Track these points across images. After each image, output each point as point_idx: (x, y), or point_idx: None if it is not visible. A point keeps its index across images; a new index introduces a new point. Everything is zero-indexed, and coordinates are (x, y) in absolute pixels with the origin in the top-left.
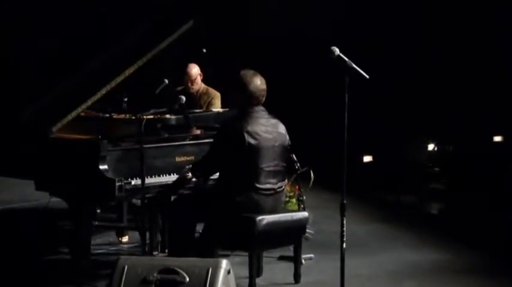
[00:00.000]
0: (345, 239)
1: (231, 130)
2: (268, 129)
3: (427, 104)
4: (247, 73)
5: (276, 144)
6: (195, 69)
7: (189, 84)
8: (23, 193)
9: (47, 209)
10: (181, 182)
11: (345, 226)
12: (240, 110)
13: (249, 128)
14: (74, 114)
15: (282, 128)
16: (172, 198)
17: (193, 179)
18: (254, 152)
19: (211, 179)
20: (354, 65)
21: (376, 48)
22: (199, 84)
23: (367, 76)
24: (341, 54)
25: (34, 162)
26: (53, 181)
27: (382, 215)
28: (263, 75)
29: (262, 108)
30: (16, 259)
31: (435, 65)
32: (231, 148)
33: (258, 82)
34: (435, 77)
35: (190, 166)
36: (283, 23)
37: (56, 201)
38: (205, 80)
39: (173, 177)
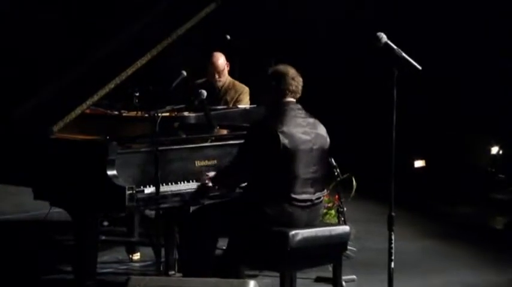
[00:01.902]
0: (393, 257)
1: (263, 131)
2: (306, 129)
3: (490, 100)
4: (280, 65)
5: (315, 147)
6: (221, 59)
7: (216, 77)
8: (19, 203)
9: (47, 221)
10: (201, 191)
11: (393, 242)
12: (272, 107)
13: (285, 128)
14: (78, 111)
15: (321, 129)
16: (192, 209)
17: (216, 188)
18: (290, 156)
19: (238, 188)
20: (404, 54)
21: (428, 38)
22: (225, 77)
23: (419, 67)
24: (389, 42)
25: (32, 167)
26: (53, 188)
27: (437, 230)
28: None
29: (298, 105)
30: (11, 278)
31: (503, 55)
32: (263, 151)
33: (294, 74)
34: (500, 69)
35: (212, 173)
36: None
37: (56, 212)
38: (231, 73)
39: (192, 185)
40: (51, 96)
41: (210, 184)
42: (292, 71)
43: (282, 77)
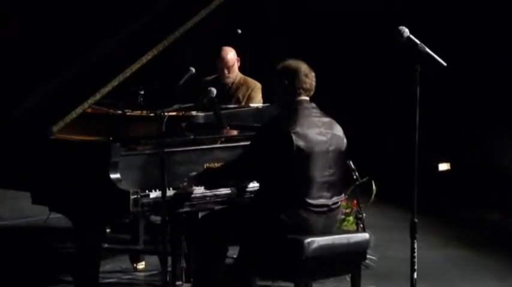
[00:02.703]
0: (416, 267)
1: (274, 131)
2: (321, 130)
3: None
4: (290, 60)
5: (331, 148)
6: (231, 54)
7: (225, 73)
8: (17, 208)
9: (46, 227)
10: (182, 195)
11: (415, 250)
12: (285, 105)
13: (298, 129)
14: (79, 110)
15: (338, 129)
16: (200, 215)
17: (226, 191)
18: (304, 158)
19: (249, 192)
20: (428, 50)
21: (453, 31)
22: (236, 73)
23: (444, 63)
24: (411, 36)
25: (30, 169)
26: (52, 192)
27: (463, 238)
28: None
29: (312, 104)
30: None
31: None
32: (275, 153)
33: (307, 70)
34: None
35: (194, 173)
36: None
37: (56, 217)
38: (242, 69)
39: (201, 189)
40: (51, 95)
41: (193, 189)
42: (304, 67)
43: (294, 74)
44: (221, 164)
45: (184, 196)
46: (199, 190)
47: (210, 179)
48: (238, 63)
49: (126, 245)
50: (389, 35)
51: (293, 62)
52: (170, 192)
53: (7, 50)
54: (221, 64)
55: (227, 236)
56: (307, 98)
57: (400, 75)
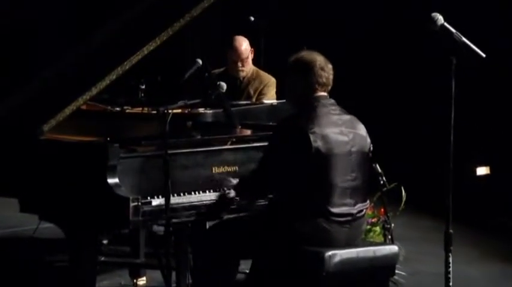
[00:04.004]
0: (450, 284)
1: (290, 131)
2: (342, 129)
3: None
4: (304, 52)
5: (354, 149)
6: (245, 44)
7: (239, 66)
8: (2, 217)
9: (35, 239)
10: (222, 203)
11: (450, 265)
12: (300, 102)
13: (316, 128)
14: (72, 107)
15: (360, 128)
16: (208, 225)
17: (237, 199)
18: (324, 161)
19: (263, 199)
20: (465, 39)
21: (494, 19)
22: (250, 66)
23: (483, 55)
24: (446, 24)
25: (17, 174)
26: (43, 199)
27: (503, 251)
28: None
29: (331, 100)
30: None
31: None
32: (291, 156)
33: (323, 62)
34: None
35: (236, 180)
36: None
37: (46, 227)
38: (256, 60)
39: (209, 195)
40: (41, 90)
41: (233, 194)
42: (320, 59)
43: (309, 67)
44: (248, 174)
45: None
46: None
47: (241, 193)
48: (252, 55)
49: (125, 258)
50: (422, 23)
51: (307, 54)
52: (175, 199)
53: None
54: (234, 56)
55: (238, 249)
56: (325, 94)
57: (433, 69)
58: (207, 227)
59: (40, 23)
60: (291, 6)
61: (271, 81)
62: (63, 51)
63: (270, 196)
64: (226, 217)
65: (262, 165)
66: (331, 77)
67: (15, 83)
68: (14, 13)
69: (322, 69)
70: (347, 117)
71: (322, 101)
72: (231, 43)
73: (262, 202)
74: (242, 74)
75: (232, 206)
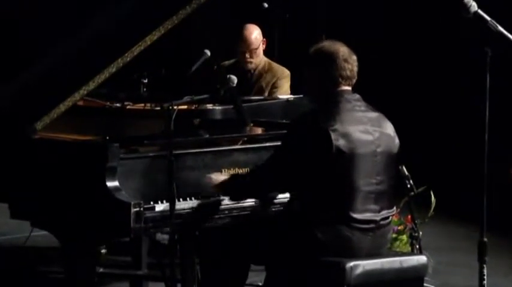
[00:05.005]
0: None
1: (309, 129)
2: (367, 127)
3: None
4: (326, 42)
5: (379, 150)
6: (256, 33)
7: (248, 57)
8: None
9: (27, 247)
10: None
11: (485, 277)
12: (321, 97)
13: (338, 126)
14: (68, 103)
15: (388, 127)
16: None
17: (249, 203)
18: (346, 162)
19: (277, 204)
20: (501, 28)
21: None
22: (260, 58)
23: None
24: (480, 11)
25: (7, 176)
26: (35, 204)
27: None
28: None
29: (356, 95)
30: None
31: None
32: (310, 156)
33: (346, 53)
34: None
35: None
36: None
37: (40, 235)
38: (268, 52)
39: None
40: (33, 84)
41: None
42: (343, 50)
43: (331, 59)
44: (248, 171)
45: (211, 208)
46: (228, 201)
47: (235, 189)
48: (264, 46)
49: (126, 269)
50: (453, 10)
51: (329, 45)
52: (181, 204)
53: None
54: (244, 46)
55: (251, 259)
56: (349, 88)
57: (467, 61)
58: (215, 235)
59: (31, 8)
60: None
61: (284, 74)
62: (57, 41)
63: (285, 199)
64: (236, 223)
65: (270, 166)
66: (355, 69)
67: (3, 75)
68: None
69: (346, 61)
70: (374, 114)
71: (345, 96)
72: (240, 32)
73: (277, 207)
74: (250, 66)
75: (243, 212)
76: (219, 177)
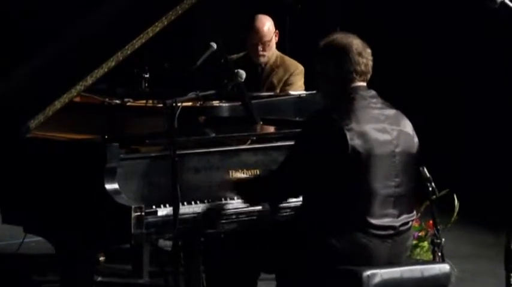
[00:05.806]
0: None
1: (323, 128)
2: (384, 126)
3: None
4: (338, 35)
5: (398, 150)
6: (268, 24)
7: (259, 50)
8: None
9: (20, 255)
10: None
11: None
12: (334, 94)
13: (354, 125)
14: (64, 99)
15: (406, 125)
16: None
17: (258, 208)
18: (362, 163)
19: (288, 208)
20: None
21: None
22: (272, 51)
23: None
24: (507, 0)
25: None
26: (29, 208)
27: None
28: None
29: (371, 91)
30: None
31: None
32: (324, 157)
33: (360, 46)
34: None
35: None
36: None
37: (33, 241)
38: (280, 45)
39: (227, 203)
40: (27, 80)
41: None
42: (356, 43)
43: (344, 53)
44: (264, 175)
45: (217, 212)
46: (236, 204)
47: (255, 195)
48: (276, 38)
49: (126, 278)
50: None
51: (342, 37)
52: (185, 208)
53: None
54: (255, 38)
55: (259, 267)
56: (364, 84)
57: (491, 56)
58: (223, 241)
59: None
60: None
61: (298, 69)
62: (52, 33)
63: (296, 203)
64: (244, 229)
65: (285, 169)
66: (370, 63)
67: None
68: None
69: (360, 54)
70: (391, 112)
71: (360, 93)
72: (251, 23)
73: (287, 211)
74: (263, 59)
75: (251, 217)
76: (237, 180)
